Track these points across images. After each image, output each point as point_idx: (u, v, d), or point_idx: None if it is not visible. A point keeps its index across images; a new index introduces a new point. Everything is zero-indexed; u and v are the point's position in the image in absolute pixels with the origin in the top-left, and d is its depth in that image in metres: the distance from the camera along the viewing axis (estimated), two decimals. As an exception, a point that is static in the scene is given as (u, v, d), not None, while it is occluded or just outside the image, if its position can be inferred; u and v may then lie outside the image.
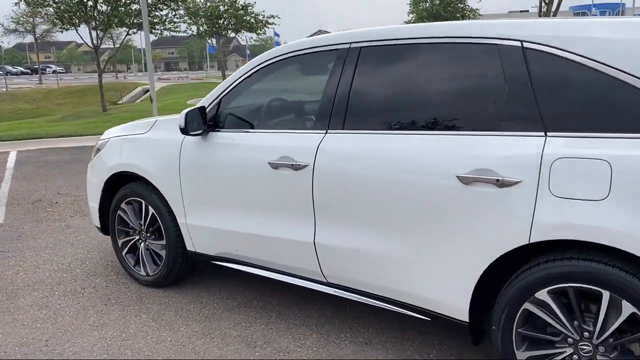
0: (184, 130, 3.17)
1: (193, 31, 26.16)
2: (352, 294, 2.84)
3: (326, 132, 2.79)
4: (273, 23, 26.26)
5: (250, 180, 3.05)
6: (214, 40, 31.33)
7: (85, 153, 9.80)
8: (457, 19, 28.59)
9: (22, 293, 3.77)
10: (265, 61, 3.14)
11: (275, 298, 3.57)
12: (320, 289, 2.97)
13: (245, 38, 31.68)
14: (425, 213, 2.42)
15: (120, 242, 3.93)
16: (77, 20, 16.44)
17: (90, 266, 4.24)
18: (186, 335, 3.13)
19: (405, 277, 2.57)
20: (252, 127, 3.24)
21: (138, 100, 28.98)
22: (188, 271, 3.76)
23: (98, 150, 3.99)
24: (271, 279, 3.16)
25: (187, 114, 3.15)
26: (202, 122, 3.21)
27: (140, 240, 3.84)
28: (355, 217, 2.68)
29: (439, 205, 2.38)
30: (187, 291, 3.73)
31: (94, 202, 4.02)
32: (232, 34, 27.01)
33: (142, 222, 3.75)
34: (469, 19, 28.68)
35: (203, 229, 3.37)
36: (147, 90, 32.36)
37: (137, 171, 3.61)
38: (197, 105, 3.25)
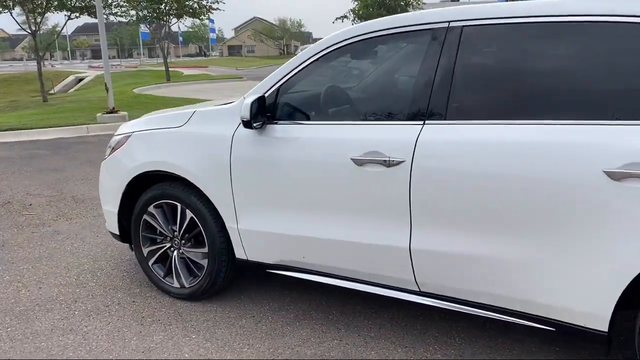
0: (248, 124, 2.76)
1: (133, 16, 24.78)
2: (453, 304, 2.56)
3: (424, 124, 2.48)
4: (217, 9, 25.34)
5: (327, 179, 2.69)
6: (146, 26, 29.91)
7: (42, 148, 9.00)
8: (401, 7, 28.67)
9: (34, 315, 3.23)
10: (336, 43, 2.77)
11: (334, 307, 3.23)
12: (410, 298, 2.67)
13: (178, 25, 30.31)
14: (567, 213, 2.16)
15: (145, 251, 3.46)
16: (11, 3, 15.08)
17: (104, 278, 3.73)
18: (254, 357, 2.74)
19: (530, 285, 2.31)
20: (323, 119, 2.87)
21: (72, 90, 27.28)
22: (230, 282, 3.35)
23: (113, 148, 3.48)
24: (317, 285, 2.83)
25: (252, 104, 2.74)
26: (263, 114, 2.81)
27: (172, 249, 3.38)
28: (466, 220, 2.39)
29: (584, 204, 2.12)
30: (229, 303, 3.32)
31: (111, 206, 3.52)
32: (174, 20, 25.79)
33: (177, 228, 3.30)
34: (414, 8, 28.81)
35: (260, 235, 2.97)
36: (81, 79, 30.67)
37: (173, 170, 3.15)
38: (256, 95, 2.84)
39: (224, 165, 2.97)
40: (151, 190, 3.31)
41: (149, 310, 3.26)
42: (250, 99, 2.76)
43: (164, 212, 3.35)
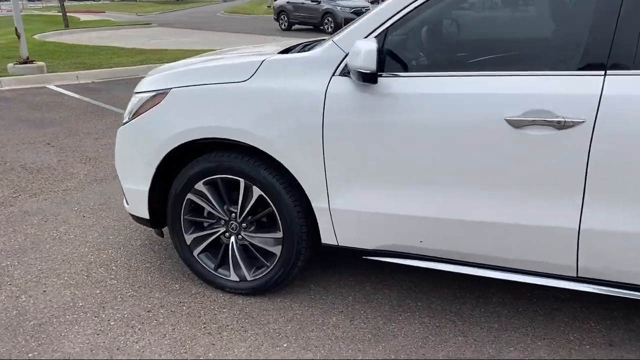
0: (371, 77, 2.12)
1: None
2: (621, 290, 2.17)
3: (605, 74, 1.99)
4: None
5: (468, 145, 2.14)
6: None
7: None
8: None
9: (56, 331, 2.47)
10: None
11: (429, 292, 2.77)
12: (564, 285, 2.25)
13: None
14: None
15: (189, 238, 2.76)
16: None
17: (124, 273, 2.99)
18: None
19: None
20: (461, 69, 2.25)
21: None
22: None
23: (138, 111, 2.69)
24: (386, 265, 2.36)
25: (376, 50, 2.10)
26: (379, 63, 2.18)
27: (228, 234, 2.72)
28: (662, 192, 1.97)
29: None
30: (300, 296, 2.75)
31: (138, 184, 2.75)
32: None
33: (237, 209, 2.63)
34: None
35: (362, 216, 2.39)
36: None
37: (238, 137, 2.45)
38: (369, 39, 2.19)
39: (313, 130, 2.33)
40: (200, 163, 2.60)
41: (207, 313, 2.61)
42: (368, 43, 2.11)
43: (217, 190, 2.66)
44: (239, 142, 2.47)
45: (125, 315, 2.59)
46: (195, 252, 2.78)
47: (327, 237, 2.52)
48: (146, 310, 2.64)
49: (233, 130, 2.46)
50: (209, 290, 2.79)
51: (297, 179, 2.43)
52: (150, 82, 2.72)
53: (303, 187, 2.44)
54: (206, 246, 2.77)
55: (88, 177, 4.54)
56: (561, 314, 2.57)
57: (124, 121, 2.78)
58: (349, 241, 2.49)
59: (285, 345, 2.37)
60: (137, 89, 2.77)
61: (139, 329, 2.49)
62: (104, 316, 2.59)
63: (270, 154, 2.43)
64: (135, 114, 2.70)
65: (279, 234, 2.57)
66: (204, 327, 2.50)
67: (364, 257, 2.52)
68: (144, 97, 2.69)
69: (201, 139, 2.54)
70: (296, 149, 2.39)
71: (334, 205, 2.42)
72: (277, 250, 2.61)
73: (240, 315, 2.59)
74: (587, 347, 2.34)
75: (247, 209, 2.61)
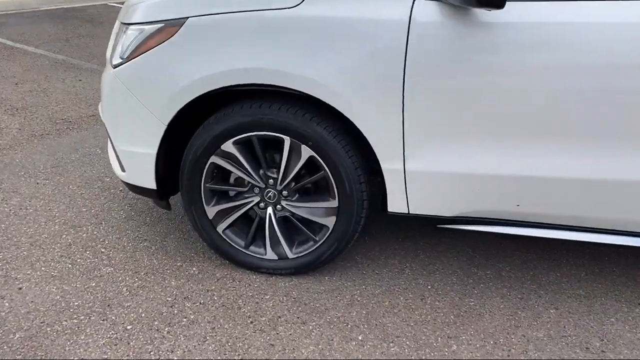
0: (495, 2, 1.63)
1: None
2: None
3: None
4: None
5: (615, 87, 1.74)
6: None
7: None
8: None
9: (61, 345, 1.88)
10: None
11: (490, 260, 2.44)
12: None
13: None
14: None
15: (212, 211, 2.21)
16: None
17: (119, 257, 2.38)
18: None
19: None
20: None
21: None
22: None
23: (138, 48, 2.03)
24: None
25: None
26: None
27: (262, 205, 2.20)
28: None
29: None
30: (363, 279, 2.32)
31: (142, 146, 2.12)
32: None
33: (278, 174, 2.11)
34: None
35: (448, 178, 1.96)
36: None
37: (285, 82, 1.89)
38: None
39: (391, 71, 1.83)
40: (230, 118, 2.01)
41: (247, 303, 2.11)
42: None
43: (250, 151, 2.10)
44: (287, 89, 1.92)
45: (143, 315, 2.03)
46: (220, 228, 2.24)
47: (395, 204, 2.07)
48: (167, 304, 2.09)
49: (277, 74, 1.89)
50: (237, 272, 2.29)
51: (365, 135, 1.94)
52: (154, 8, 2.04)
53: (372, 145, 1.95)
54: (234, 220, 2.23)
55: (23, 133, 3.71)
56: (640, 273, 2.34)
57: (115, 62, 2.10)
58: (424, 208, 2.06)
59: (360, 337, 1.95)
60: (131, 18, 2.07)
61: (168, 332, 1.95)
62: (113, 318, 2.01)
63: (332, 104, 1.91)
64: (134, 52, 2.04)
65: (333, 203, 2.09)
66: (251, 322, 2.01)
67: (438, 225, 2.11)
68: (146, 30, 2.01)
69: (231, 87, 1.96)
70: (367, 98, 1.88)
71: (411, 167, 1.96)
72: (329, 222, 2.13)
73: (288, 301, 2.12)
74: (685, 310, 2.14)
75: (292, 174, 2.08)
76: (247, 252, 2.26)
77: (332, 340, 1.93)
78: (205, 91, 1.96)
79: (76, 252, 2.39)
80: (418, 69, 1.81)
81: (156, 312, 2.05)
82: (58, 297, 2.11)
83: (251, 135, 2.03)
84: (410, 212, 2.08)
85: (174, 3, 2.00)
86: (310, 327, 1.99)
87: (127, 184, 2.30)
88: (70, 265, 2.30)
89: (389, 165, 1.98)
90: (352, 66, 1.84)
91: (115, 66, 2.09)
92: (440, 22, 1.78)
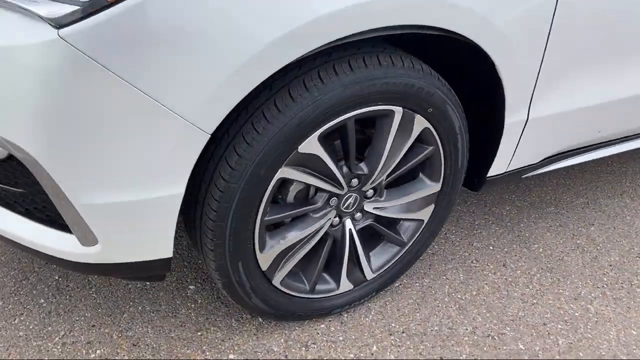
0: None
1: None
2: None
3: None
4: None
5: None
6: None
7: None
8: None
9: None
10: None
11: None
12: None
13: None
14: None
15: (269, 258, 1.28)
16: None
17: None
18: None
19: None
20: None
21: None
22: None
23: None
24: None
25: None
26: None
27: (337, 220, 1.38)
28: None
29: None
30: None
31: (154, 186, 1.02)
32: None
33: (372, 166, 1.31)
34: None
35: (563, 117, 1.56)
36: None
37: (426, 20, 1.12)
38: None
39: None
40: (318, 96, 1.10)
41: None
42: None
43: (331, 147, 1.25)
44: (446, 31, 1.15)
45: None
46: (277, 279, 1.33)
47: (500, 166, 1.57)
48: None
49: (430, 6, 1.10)
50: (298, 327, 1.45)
51: (504, 80, 1.33)
52: None
53: (506, 94, 1.37)
54: (300, 260, 1.35)
55: None
56: None
57: (56, 15, 0.86)
58: (522, 161, 1.63)
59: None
60: None
61: None
62: None
63: (483, 46, 1.22)
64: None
65: (436, 187, 1.45)
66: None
67: (524, 176, 1.71)
68: None
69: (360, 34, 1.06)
70: (519, 29, 1.27)
71: (535, 114, 1.48)
72: (425, 214, 1.49)
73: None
74: None
75: (398, 159, 1.33)
76: (312, 296, 1.43)
77: None
78: (308, 51, 1.01)
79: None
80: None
81: None
82: None
83: (348, 117, 1.17)
84: (506, 171, 1.62)
85: None
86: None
87: (104, 266, 1.11)
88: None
89: (514, 118, 1.45)
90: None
91: (61, 24, 0.86)
92: None
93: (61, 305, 1.45)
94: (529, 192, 2.20)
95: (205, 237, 1.17)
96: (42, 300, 1.47)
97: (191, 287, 1.55)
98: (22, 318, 1.40)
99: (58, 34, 0.85)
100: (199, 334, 1.41)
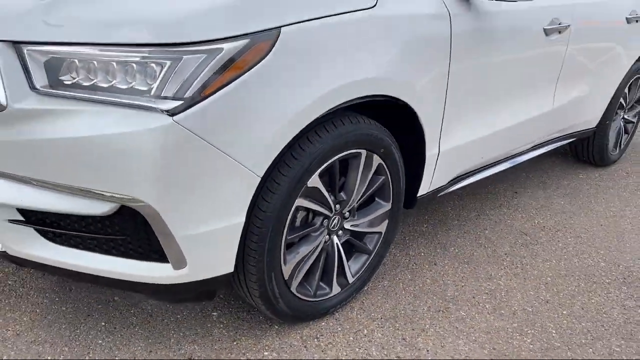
0: None
1: None
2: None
3: None
4: None
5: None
6: None
7: None
8: None
9: None
10: None
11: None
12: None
13: None
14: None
15: (289, 269, 1.75)
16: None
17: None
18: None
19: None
20: None
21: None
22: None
23: (207, 83, 1.35)
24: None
25: None
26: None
27: (327, 236, 1.89)
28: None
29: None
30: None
31: (226, 217, 1.48)
32: None
33: (353, 192, 1.87)
34: None
35: (459, 150, 2.24)
36: None
37: (393, 92, 1.74)
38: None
39: (443, 60, 1.95)
40: (318, 145, 1.64)
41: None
42: None
43: (331, 178, 1.77)
44: (386, 97, 1.76)
45: None
46: (294, 287, 1.80)
47: (424, 187, 2.19)
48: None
49: (381, 82, 1.72)
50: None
51: (424, 125, 1.98)
52: (229, 16, 1.37)
53: (425, 134, 2.01)
54: (308, 268, 1.83)
55: None
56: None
57: (169, 107, 1.33)
58: (439, 182, 2.27)
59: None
60: (185, 34, 1.33)
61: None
62: None
63: (411, 104, 1.86)
64: (207, 87, 1.35)
65: (387, 206, 2.03)
66: None
67: (439, 194, 2.36)
68: (225, 51, 1.36)
69: (340, 106, 1.63)
70: (429, 90, 1.93)
71: (444, 147, 2.14)
72: (382, 227, 2.06)
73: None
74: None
75: (364, 187, 1.90)
76: (315, 299, 1.90)
77: (458, 327, 1.99)
78: (323, 112, 1.56)
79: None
80: (456, 52, 1.99)
81: None
82: None
83: (335, 159, 1.73)
84: (428, 191, 2.25)
85: (261, 4, 1.43)
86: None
87: (180, 285, 1.51)
88: None
89: (432, 151, 2.09)
90: (422, 61, 1.86)
91: (173, 112, 1.33)
92: (464, 11, 2.00)
93: (117, 343, 1.77)
94: (437, 213, 2.86)
95: (248, 256, 1.61)
96: (100, 341, 1.77)
97: (214, 313, 1.94)
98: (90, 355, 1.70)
99: (173, 120, 1.32)
100: (235, 343, 1.81)
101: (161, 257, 1.47)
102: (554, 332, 2.00)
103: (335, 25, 1.57)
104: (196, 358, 1.73)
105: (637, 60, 3.41)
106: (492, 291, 2.22)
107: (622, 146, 3.84)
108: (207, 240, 1.47)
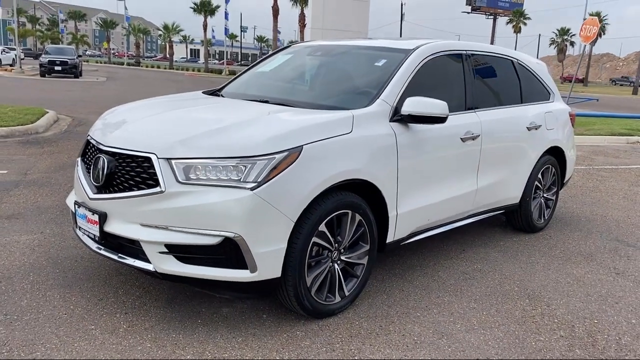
0: (442, 119, 3.40)
1: None
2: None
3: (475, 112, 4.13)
4: None
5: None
6: None
7: None
8: None
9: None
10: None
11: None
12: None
13: None
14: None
15: (310, 279, 3.04)
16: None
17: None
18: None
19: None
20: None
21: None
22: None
23: (274, 170, 2.79)
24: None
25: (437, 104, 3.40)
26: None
27: (331, 264, 3.19)
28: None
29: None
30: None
31: (276, 243, 2.81)
32: None
33: (346, 236, 3.19)
34: None
35: (410, 213, 3.58)
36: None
37: (362, 176, 3.14)
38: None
39: (393, 160, 3.36)
40: (324, 206, 2.99)
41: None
42: (441, 101, 3.40)
43: (331, 226, 3.10)
44: (361, 180, 3.14)
45: (330, 361, 2.74)
46: (312, 291, 3.06)
47: (390, 237, 3.51)
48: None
49: (357, 172, 3.11)
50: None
51: (385, 197, 3.34)
52: (276, 141, 2.81)
53: (387, 202, 3.37)
54: (319, 282, 3.11)
55: None
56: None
57: (250, 186, 2.70)
58: (399, 235, 3.59)
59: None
60: (255, 150, 2.75)
61: None
62: None
63: (376, 184, 3.24)
64: (268, 176, 2.74)
65: (367, 247, 3.34)
66: (376, 334, 3.04)
67: (401, 244, 3.67)
68: (277, 158, 2.77)
69: (335, 184, 3.00)
70: (387, 177, 3.32)
71: (400, 211, 3.49)
72: (364, 260, 3.35)
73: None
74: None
75: (351, 234, 3.22)
76: (326, 302, 3.15)
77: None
78: (322, 190, 2.92)
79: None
80: (401, 156, 3.40)
81: None
82: None
83: (333, 215, 3.07)
84: (393, 239, 3.56)
85: (290, 135, 2.87)
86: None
87: (251, 283, 2.79)
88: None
89: (392, 213, 3.44)
90: (381, 159, 3.27)
91: (252, 188, 2.70)
92: (402, 132, 3.45)
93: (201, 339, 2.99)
94: (404, 261, 4.13)
95: (287, 267, 2.89)
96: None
97: (264, 315, 3.18)
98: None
99: (252, 192, 2.68)
100: (272, 341, 3.02)
101: (243, 265, 2.76)
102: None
103: (331, 142, 2.99)
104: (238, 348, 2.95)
105: (542, 155, 4.86)
106: (440, 304, 3.46)
107: (546, 217, 5.19)
108: (267, 256, 2.78)
